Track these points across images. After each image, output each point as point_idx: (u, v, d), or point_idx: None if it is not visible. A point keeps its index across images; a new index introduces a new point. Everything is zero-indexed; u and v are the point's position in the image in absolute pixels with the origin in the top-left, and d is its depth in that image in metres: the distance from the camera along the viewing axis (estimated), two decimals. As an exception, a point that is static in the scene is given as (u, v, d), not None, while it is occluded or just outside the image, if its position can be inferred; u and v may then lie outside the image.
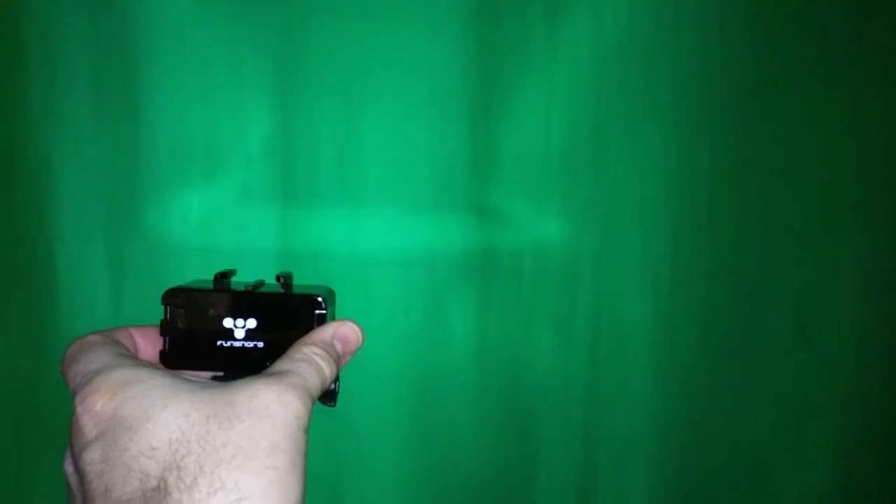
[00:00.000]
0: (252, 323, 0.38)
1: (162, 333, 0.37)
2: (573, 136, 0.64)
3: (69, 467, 0.31)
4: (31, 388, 0.53)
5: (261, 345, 0.38)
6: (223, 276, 0.39)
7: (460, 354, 0.64)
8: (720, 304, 0.70)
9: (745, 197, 0.70)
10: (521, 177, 0.64)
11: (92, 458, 0.29)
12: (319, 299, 0.38)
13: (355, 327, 0.38)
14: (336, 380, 0.37)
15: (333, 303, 0.40)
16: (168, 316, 0.38)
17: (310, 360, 0.34)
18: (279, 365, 0.34)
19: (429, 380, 0.63)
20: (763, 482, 0.73)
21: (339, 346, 0.37)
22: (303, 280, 0.42)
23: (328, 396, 0.37)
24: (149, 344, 0.38)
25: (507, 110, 0.63)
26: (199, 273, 0.47)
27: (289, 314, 0.38)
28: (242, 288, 0.39)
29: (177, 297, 0.38)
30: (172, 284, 0.38)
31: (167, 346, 0.37)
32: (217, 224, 0.58)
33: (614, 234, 0.67)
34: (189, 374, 0.37)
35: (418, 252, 0.62)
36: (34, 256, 0.54)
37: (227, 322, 0.38)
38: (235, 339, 0.38)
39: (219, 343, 0.37)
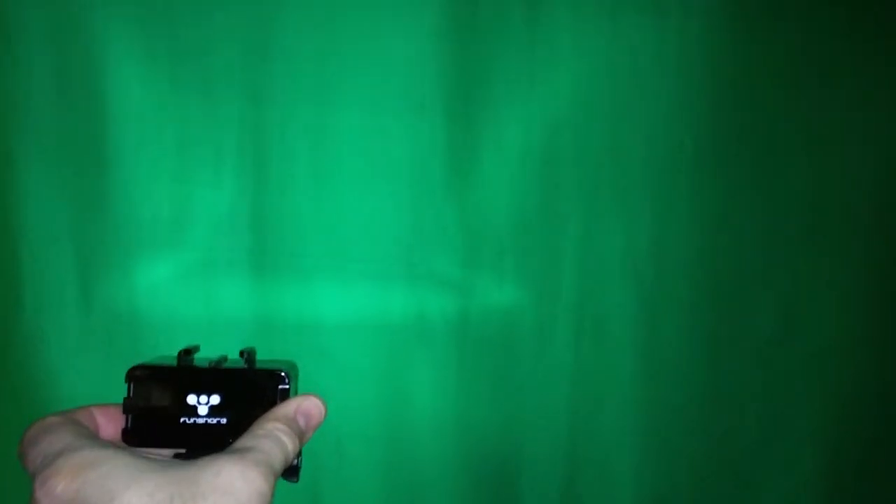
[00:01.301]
0: (216, 399, 0.38)
1: (125, 411, 0.37)
2: (554, 134, 0.65)
3: None
4: None
5: (224, 421, 0.38)
6: (187, 353, 0.40)
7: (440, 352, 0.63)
8: (704, 298, 0.71)
9: (730, 191, 0.71)
10: (498, 184, 0.64)
11: None
12: (283, 374, 0.39)
13: (318, 402, 0.39)
14: (299, 455, 0.37)
15: (296, 377, 0.41)
16: (131, 393, 0.38)
17: (273, 436, 0.35)
18: (243, 441, 0.34)
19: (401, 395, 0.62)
20: (749, 475, 0.73)
21: (302, 422, 0.37)
22: (270, 347, 0.42)
23: (291, 472, 0.37)
24: (110, 423, 0.38)
25: (488, 111, 0.63)
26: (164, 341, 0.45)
27: (252, 390, 0.39)
28: (206, 364, 0.39)
29: (140, 374, 0.38)
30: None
31: (130, 424, 0.37)
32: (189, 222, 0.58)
33: (597, 230, 0.67)
34: (151, 451, 0.37)
35: (395, 313, 0.62)
36: None
37: (191, 399, 0.38)
38: (199, 416, 0.38)
39: (182, 420, 0.38)
